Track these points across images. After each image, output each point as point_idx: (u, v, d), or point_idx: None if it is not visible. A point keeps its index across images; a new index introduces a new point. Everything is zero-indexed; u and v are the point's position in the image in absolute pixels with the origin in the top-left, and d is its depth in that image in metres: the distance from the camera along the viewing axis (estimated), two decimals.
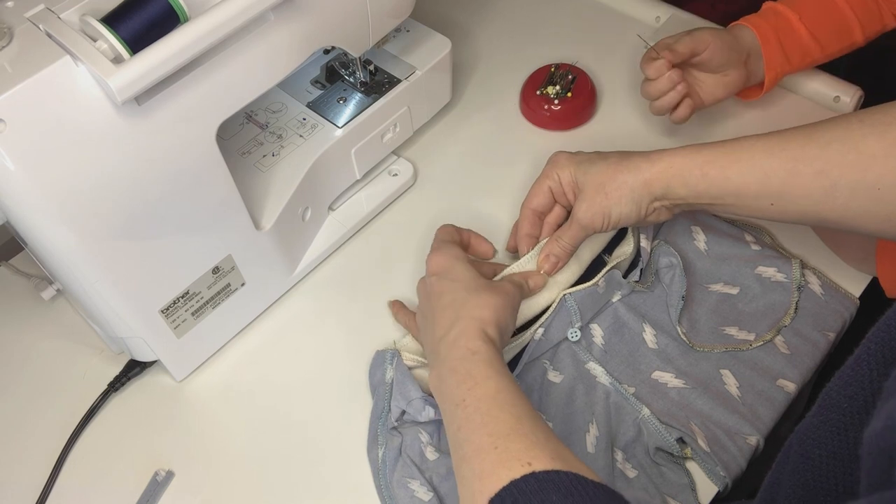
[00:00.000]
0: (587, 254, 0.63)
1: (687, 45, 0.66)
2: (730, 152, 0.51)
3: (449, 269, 0.54)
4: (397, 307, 0.63)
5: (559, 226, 0.61)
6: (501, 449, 0.41)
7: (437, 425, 0.57)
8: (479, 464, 0.42)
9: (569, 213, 0.60)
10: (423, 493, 0.53)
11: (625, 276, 0.62)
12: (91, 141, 0.44)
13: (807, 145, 0.48)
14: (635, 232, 0.63)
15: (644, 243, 0.63)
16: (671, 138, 0.76)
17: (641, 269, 0.62)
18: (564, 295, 0.59)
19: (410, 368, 0.58)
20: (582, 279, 0.62)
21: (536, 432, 0.42)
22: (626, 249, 0.63)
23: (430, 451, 0.56)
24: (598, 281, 0.59)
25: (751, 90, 0.72)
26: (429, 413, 0.56)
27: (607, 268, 0.61)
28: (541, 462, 0.40)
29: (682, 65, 0.68)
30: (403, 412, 0.57)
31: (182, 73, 0.46)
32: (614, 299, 0.62)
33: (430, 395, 0.57)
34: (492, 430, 0.43)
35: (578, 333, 0.60)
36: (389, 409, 0.57)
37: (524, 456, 0.40)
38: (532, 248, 0.61)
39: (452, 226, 0.62)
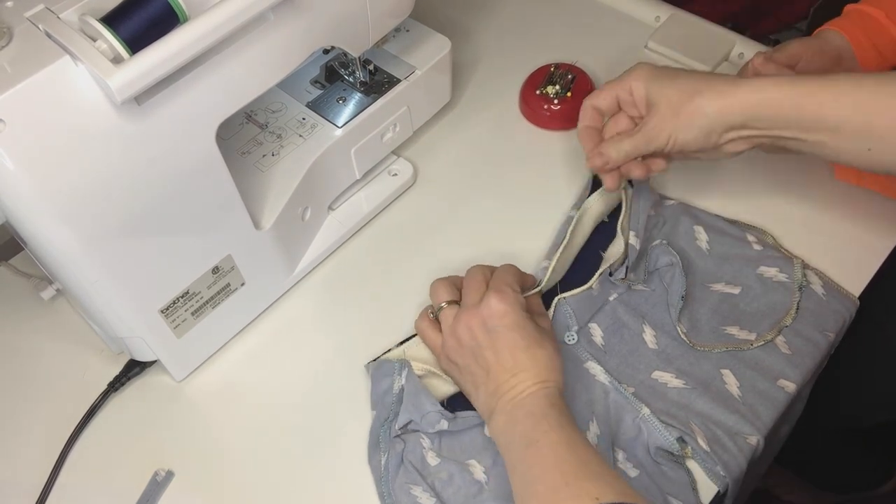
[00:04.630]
0: (579, 237, 0.64)
1: (786, 53, 0.65)
2: (831, 87, 0.47)
3: (516, 322, 0.52)
4: (426, 324, 0.58)
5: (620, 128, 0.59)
6: (573, 486, 0.44)
7: (439, 433, 0.57)
8: (552, 498, 0.45)
9: (634, 124, 0.58)
10: (426, 499, 0.53)
11: (612, 274, 0.62)
12: (91, 141, 0.44)
13: None
14: (625, 230, 0.63)
15: (633, 241, 0.62)
16: None
17: (627, 266, 0.62)
18: (559, 300, 0.59)
19: (420, 377, 0.57)
20: (576, 276, 0.62)
21: (604, 474, 0.45)
22: (617, 249, 0.62)
23: (432, 457, 0.56)
24: (591, 284, 0.60)
25: None
26: (442, 426, 0.56)
27: (601, 270, 0.60)
28: (607, 497, 0.43)
29: None
30: (409, 421, 0.56)
31: (182, 72, 0.46)
32: (611, 298, 0.62)
33: (442, 404, 0.57)
34: (564, 470, 0.46)
35: (575, 337, 0.60)
36: (395, 418, 0.57)
37: (593, 492, 0.43)
38: (594, 141, 0.59)
39: (515, 268, 0.58)
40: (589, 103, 0.59)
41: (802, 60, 0.66)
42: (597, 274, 0.60)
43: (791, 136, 0.49)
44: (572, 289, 0.61)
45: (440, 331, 0.57)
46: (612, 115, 0.59)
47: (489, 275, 0.56)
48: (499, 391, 0.51)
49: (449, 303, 0.56)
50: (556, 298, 0.59)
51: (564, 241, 0.62)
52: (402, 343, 0.60)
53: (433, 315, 0.58)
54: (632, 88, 0.56)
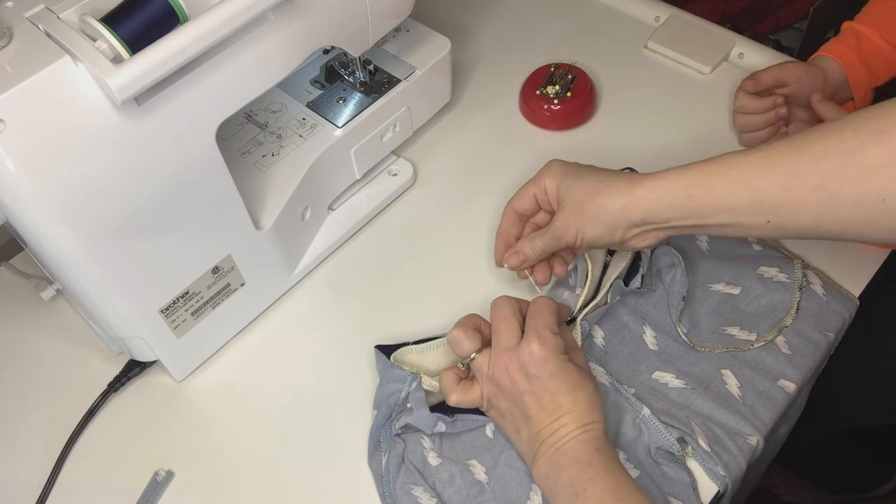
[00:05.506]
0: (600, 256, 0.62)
1: (772, 74, 0.69)
2: (717, 171, 0.49)
3: (557, 367, 0.51)
4: (459, 390, 0.54)
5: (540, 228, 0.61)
6: None
7: (440, 434, 0.57)
8: None
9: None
10: (427, 500, 0.53)
11: (625, 282, 0.61)
12: (91, 141, 0.44)
13: (800, 160, 0.46)
14: None
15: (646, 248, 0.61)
16: (670, 135, 0.76)
17: (643, 276, 0.61)
18: (582, 321, 0.58)
19: (427, 392, 0.56)
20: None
21: None
22: (624, 255, 0.61)
23: (433, 457, 0.56)
24: (608, 299, 0.59)
25: (845, 107, 0.74)
26: (440, 428, 0.56)
27: (612, 281, 0.59)
28: None
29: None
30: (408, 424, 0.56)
31: (182, 72, 0.46)
32: (613, 301, 0.62)
33: (439, 409, 0.57)
34: None
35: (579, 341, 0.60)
36: (396, 418, 0.57)
37: None
38: (506, 245, 0.61)
39: (552, 303, 0.54)
40: (510, 208, 0.61)
41: (796, 84, 0.69)
42: (609, 284, 0.59)
43: (692, 224, 0.51)
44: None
45: (473, 384, 0.55)
46: (533, 215, 0.61)
47: (517, 309, 0.54)
48: (540, 435, 0.50)
49: (478, 350, 0.54)
50: (579, 319, 0.58)
51: (589, 268, 0.60)
52: (419, 342, 0.59)
53: (463, 365, 0.55)
54: (545, 186, 0.58)
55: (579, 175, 0.55)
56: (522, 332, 0.53)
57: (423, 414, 0.55)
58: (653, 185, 0.51)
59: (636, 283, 0.60)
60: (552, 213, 0.59)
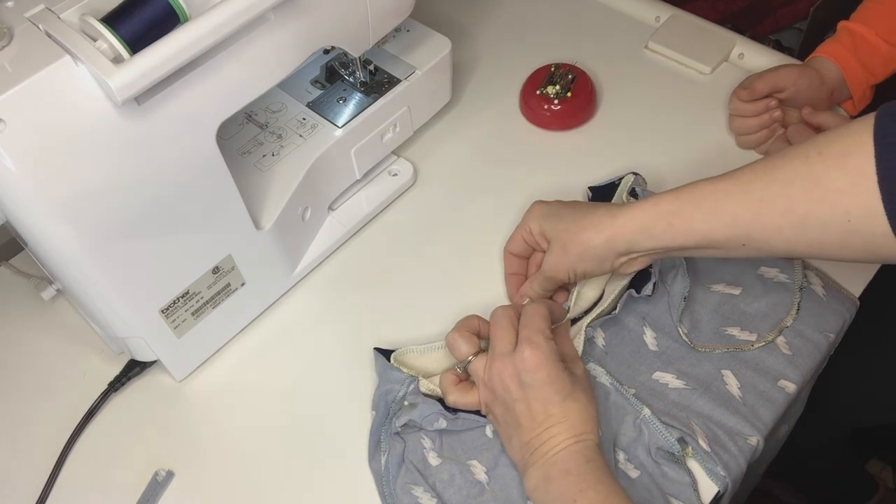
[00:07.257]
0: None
1: (767, 81, 0.70)
2: (692, 199, 0.50)
3: (549, 375, 0.51)
4: (457, 390, 0.55)
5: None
6: None
7: (440, 432, 0.57)
8: None
9: None
10: (427, 500, 0.53)
11: (637, 289, 0.60)
12: (91, 141, 0.44)
13: (770, 185, 0.47)
14: None
15: None
16: (670, 135, 0.76)
17: (655, 283, 0.60)
18: (585, 327, 0.59)
19: (425, 395, 0.57)
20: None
21: None
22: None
23: (433, 457, 0.56)
24: (616, 307, 0.59)
25: (844, 105, 0.74)
26: (441, 424, 0.56)
27: (620, 289, 0.59)
28: None
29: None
30: (409, 420, 0.56)
31: (182, 72, 0.46)
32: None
33: (441, 402, 0.57)
34: None
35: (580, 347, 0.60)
36: (395, 417, 0.57)
37: None
38: (517, 287, 0.62)
39: (544, 308, 0.54)
40: (506, 251, 0.63)
41: (793, 88, 0.69)
42: (624, 297, 0.59)
43: (675, 248, 0.52)
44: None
45: (472, 387, 0.55)
46: (529, 256, 0.63)
47: (514, 317, 0.55)
48: (531, 444, 0.51)
49: (475, 354, 0.54)
50: (584, 326, 0.59)
51: None
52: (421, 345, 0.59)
53: (460, 369, 0.55)
54: (531, 229, 0.59)
55: (560, 215, 0.57)
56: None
57: (428, 406, 0.55)
58: (631, 216, 0.52)
59: (647, 290, 0.60)
60: (543, 253, 0.60)
